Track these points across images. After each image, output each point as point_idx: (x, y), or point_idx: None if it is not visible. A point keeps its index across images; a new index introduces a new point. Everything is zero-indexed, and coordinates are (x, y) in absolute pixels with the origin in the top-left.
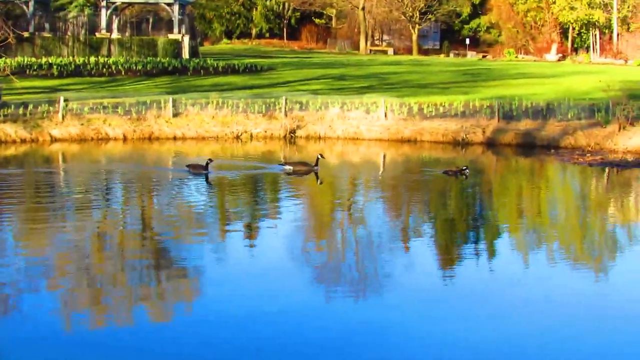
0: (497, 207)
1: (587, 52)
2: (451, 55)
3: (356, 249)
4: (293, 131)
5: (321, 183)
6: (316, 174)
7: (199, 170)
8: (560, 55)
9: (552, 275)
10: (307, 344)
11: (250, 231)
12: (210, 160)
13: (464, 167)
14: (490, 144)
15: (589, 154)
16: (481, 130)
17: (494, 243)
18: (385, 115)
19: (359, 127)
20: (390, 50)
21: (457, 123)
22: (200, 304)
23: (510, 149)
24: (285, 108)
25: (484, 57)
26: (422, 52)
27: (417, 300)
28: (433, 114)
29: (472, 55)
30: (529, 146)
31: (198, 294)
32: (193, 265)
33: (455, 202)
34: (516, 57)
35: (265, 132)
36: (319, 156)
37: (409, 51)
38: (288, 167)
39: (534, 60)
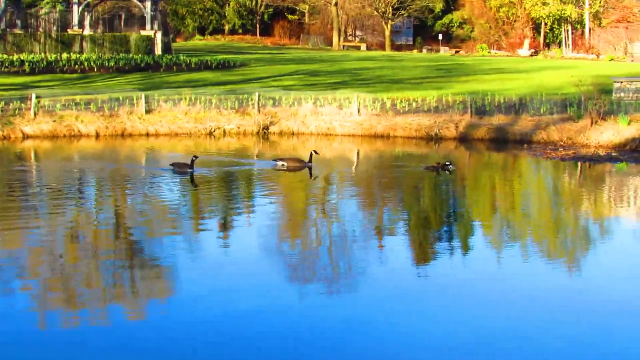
0: (471, 202)
1: (560, 47)
2: (424, 50)
3: (330, 246)
4: (266, 127)
5: (315, 179)
6: (310, 170)
7: (183, 168)
8: (533, 50)
9: (527, 270)
10: (281, 340)
11: (225, 228)
12: (195, 157)
13: (447, 162)
14: (463, 139)
15: (561, 149)
16: (454, 126)
17: (468, 238)
18: (358, 111)
19: (332, 122)
20: (363, 46)
21: (430, 118)
22: (176, 301)
23: (483, 144)
24: (258, 104)
25: (456, 52)
26: (395, 47)
27: (393, 296)
28: (406, 109)
29: (445, 51)
30: (501, 141)
31: (173, 292)
32: (168, 263)
33: (429, 197)
34: (489, 52)
35: (238, 128)
36: (313, 152)
37: (382, 47)
38: (281, 164)
39: (507, 56)
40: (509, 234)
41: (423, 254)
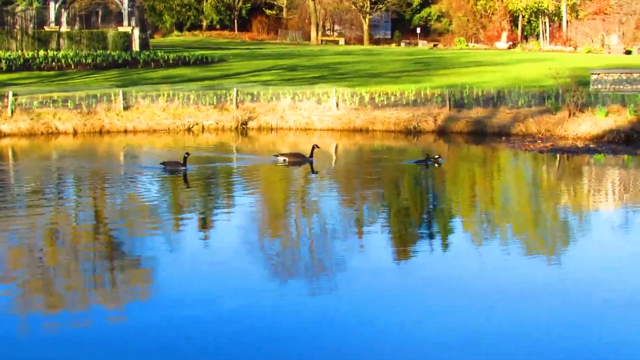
0: (451, 196)
1: (537, 39)
2: (402, 44)
3: (311, 241)
4: (245, 122)
5: (316, 173)
6: (311, 164)
7: (175, 166)
8: (511, 43)
9: (508, 263)
10: (264, 338)
11: (205, 224)
12: (188, 154)
13: (437, 156)
14: (442, 132)
15: (539, 141)
16: (432, 119)
17: (449, 233)
18: (337, 105)
19: (311, 117)
20: (342, 40)
21: (408, 112)
22: (157, 300)
23: (462, 137)
24: (236, 99)
25: (435, 46)
26: (373, 41)
27: (374, 291)
28: (385, 103)
29: (423, 44)
30: (480, 134)
31: (155, 291)
32: (149, 260)
33: (410, 192)
34: (467, 45)
35: (217, 123)
36: (315, 146)
37: (360, 41)
38: (282, 159)
39: (485, 49)
40: (490, 227)
41: (405, 249)
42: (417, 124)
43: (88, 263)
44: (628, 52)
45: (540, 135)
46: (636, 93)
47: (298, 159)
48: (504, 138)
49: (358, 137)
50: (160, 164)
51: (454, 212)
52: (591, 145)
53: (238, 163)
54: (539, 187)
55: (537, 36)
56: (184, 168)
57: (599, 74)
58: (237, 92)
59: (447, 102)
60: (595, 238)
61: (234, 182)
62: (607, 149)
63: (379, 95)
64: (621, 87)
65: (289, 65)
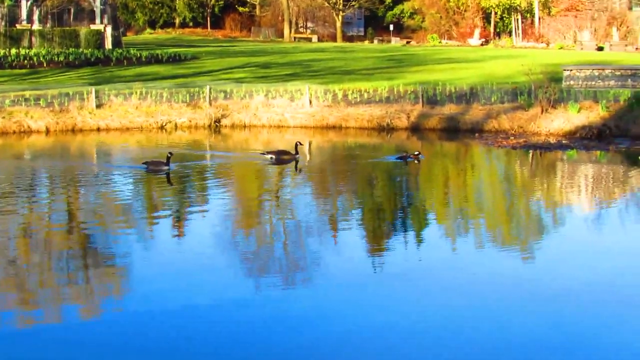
0: (425, 192)
1: (510, 36)
2: (375, 41)
3: (285, 238)
4: (218, 120)
5: (300, 171)
6: (296, 162)
7: (158, 166)
8: (483, 39)
9: (481, 258)
10: (238, 335)
11: (179, 222)
12: (171, 153)
13: (417, 152)
14: (415, 129)
15: (512, 137)
16: (406, 116)
17: (422, 228)
18: (310, 103)
19: (284, 114)
20: (315, 38)
21: (381, 109)
22: (131, 298)
23: (435, 134)
24: (209, 97)
25: (408, 42)
26: (347, 38)
27: (348, 287)
28: (358, 100)
29: (396, 41)
30: (453, 130)
31: (128, 289)
32: (122, 258)
33: (384, 188)
34: (440, 42)
35: (190, 121)
36: (298, 143)
37: (333, 38)
38: (270, 156)
39: (458, 45)
40: (464, 223)
41: (378, 245)
42: (390, 120)
43: (62, 262)
44: (600, 49)
45: (513, 132)
46: (608, 89)
47: (285, 156)
48: (477, 134)
49: (331, 134)
50: (143, 163)
51: (428, 208)
52: (564, 141)
53: (217, 160)
54: (512, 184)
55: (510, 33)
56: (167, 167)
57: (571, 70)
58: (210, 89)
59: (420, 99)
60: (568, 233)
61: (215, 179)
62: (580, 145)
63: (352, 92)
64: (593, 83)
65: (262, 63)
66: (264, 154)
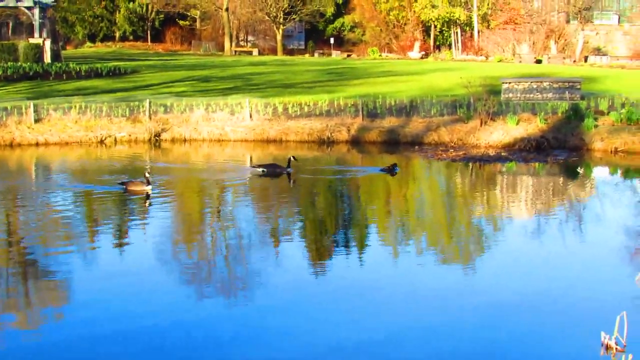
0: (365, 205)
1: (450, 49)
2: (316, 54)
3: (227, 251)
4: (158, 134)
5: (294, 183)
6: (288, 175)
7: (138, 186)
8: (423, 53)
9: (421, 270)
10: (179, 350)
11: (120, 237)
12: (148, 173)
13: (393, 164)
14: (356, 142)
15: (452, 150)
16: (346, 129)
17: (363, 242)
18: (250, 116)
19: (224, 128)
20: (255, 51)
21: (322, 122)
22: (70, 315)
23: (375, 147)
24: (149, 111)
25: (348, 56)
26: (287, 52)
27: (288, 300)
28: (298, 113)
29: (337, 55)
30: (393, 143)
31: (68, 307)
32: (62, 273)
33: (324, 202)
34: (380, 55)
35: (130, 135)
36: (291, 158)
37: (274, 51)
38: (261, 170)
39: (398, 58)
40: (404, 236)
41: (318, 259)
42: (331, 134)
43: (1, 280)
44: (538, 61)
45: (452, 144)
46: (546, 101)
47: (276, 169)
48: (417, 147)
49: (272, 147)
50: (120, 183)
51: (369, 221)
52: (502, 154)
53: (229, 175)
54: (452, 196)
55: (450, 46)
56: (149, 186)
57: (509, 82)
58: (150, 103)
59: (360, 112)
60: (508, 245)
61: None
62: (519, 157)
63: (293, 105)
64: (531, 95)
65: (202, 76)
66: (255, 167)
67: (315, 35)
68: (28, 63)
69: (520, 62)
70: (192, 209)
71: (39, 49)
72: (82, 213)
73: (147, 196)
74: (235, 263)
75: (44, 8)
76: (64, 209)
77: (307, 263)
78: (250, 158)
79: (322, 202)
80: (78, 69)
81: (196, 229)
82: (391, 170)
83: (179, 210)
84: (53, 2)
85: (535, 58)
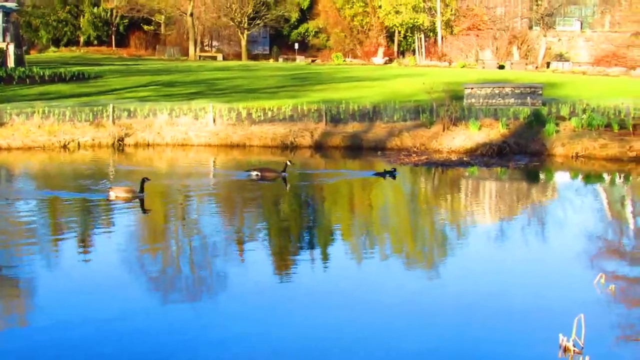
0: (328, 211)
1: (413, 55)
2: (280, 60)
3: (191, 258)
4: (121, 139)
5: (290, 188)
6: (284, 179)
7: (130, 194)
8: (387, 58)
9: (385, 276)
10: (144, 354)
11: (84, 243)
12: (147, 179)
13: (393, 169)
14: (319, 147)
15: (414, 155)
16: (309, 134)
17: (326, 248)
18: (214, 121)
19: (188, 133)
20: (220, 56)
21: (285, 127)
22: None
23: (339, 152)
24: (112, 116)
25: (313, 61)
26: (252, 57)
27: (252, 307)
28: (262, 118)
29: (301, 60)
30: (356, 148)
31: (31, 313)
32: (24, 281)
33: (287, 208)
34: (344, 61)
35: (93, 140)
36: (288, 162)
37: (239, 56)
38: (255, 174)
39: (362, 64)
40: (368, 241)
41: (283, 265)
42: (294, 139)
43: None
44: (501, 67)
45: (415, 149)
46: (508, 107)
47: (271, 174)
48: (379, 152)
49: (235, 152)
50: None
51: (333, 228)
52: (465, 158)
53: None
54: (415, 201)
55: (413, 52)
56: (141, 195)
57: (472, 88)
58: (113, 108)
59: (324, 117)
60: (469, 249)
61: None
62: (480, 161)
63: (256, 110)
64: (494, 101)
65: (166, 81)
66: (250, 171)
67: (280, 40)
68: None
69: (483, 67)
70: (158, 214)
71: (2, 53)
72: (46, 220)
73: (141, 201)
74: (201, 267)
75: (7, 12)
76: (26, 216)
77: (270, 270)
78: (214, 162)
79: (285, 207)
80: (42, 74)
81: (162, 235)
82: (391, 174)
83: (144, 216)
84: (17, 6)
85: (498, 64)
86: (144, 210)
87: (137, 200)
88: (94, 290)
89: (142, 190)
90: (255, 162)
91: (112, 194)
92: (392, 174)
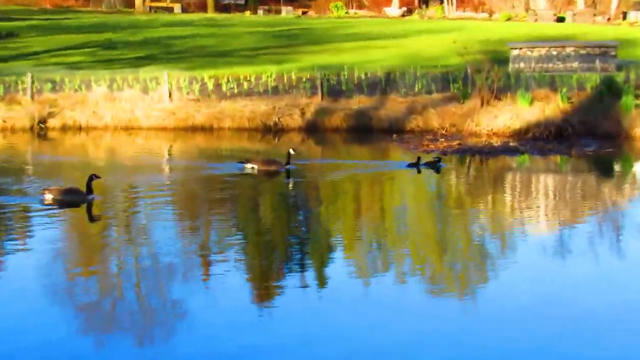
0: (329, 216)
1: (441, 3)
2: (260, 12)
3: (138, 284)
4: (43, 120)
5: (293, 185)
6: (288, 172)
7: (78, 196)
8: (405, 8)
9: (401, 311)
10: None
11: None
12: (95, 176)
13: (436, 158)
14: (313, 130)
15: (443, 139)
16: (300, 112)
17: (325, 264)
18: (170, 96)
19: (134, 112)
20: (177, 7)
21: (267, 103)
22: None
23: (340, 136)
24: (31, 89)
25: (304, 13)
26: (221, 8)
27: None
28: (235, 91)
29: (288, 12)
30: (364, 130)
31: None
32: None
33: (273, 213)
34: (347, 12)
35: (5, 122)
36: (291, 151)
37: (203, 8)
38: (250, 167)
39: (371, 17)
40: (380, 260)
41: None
42: (279, 119)
43: None
44: (560, 20)
45: (444, 132)
46: (570, 73)
47: (272, 167)
48: (395, 136)
49: (199, 137)
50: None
51: (333, 237)
52: (511, 144)
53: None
54: (443, 202)
55: (441, 0)
56: (91, 197)
57: (521, 48)
58: (32, 78)
59: (319, 89)
60: (520, 268)
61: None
62: (533, 147)
63: (228, 80)
64: (550, 65)
65: (104, 42)
66: (244, 162)
67: None
68: None
69: (535, 20)
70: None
71: None
72: None
73: (89, 204)
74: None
75: None
76: None
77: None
78: (169, 151)
79: (270, 211)
80: None
81: (98, 253)
82: (433, 165)
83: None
84: None
85: (555, 15)
86: (92, 219)
87: (86, 205)
88: (11, 318)
89: (89, 191)
90: (236, 150)
91: (48, 197)
92: (434, 165)
